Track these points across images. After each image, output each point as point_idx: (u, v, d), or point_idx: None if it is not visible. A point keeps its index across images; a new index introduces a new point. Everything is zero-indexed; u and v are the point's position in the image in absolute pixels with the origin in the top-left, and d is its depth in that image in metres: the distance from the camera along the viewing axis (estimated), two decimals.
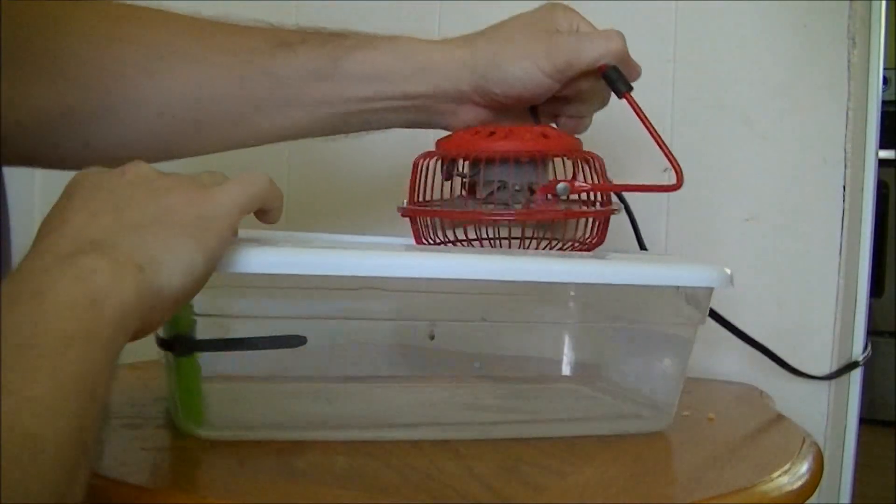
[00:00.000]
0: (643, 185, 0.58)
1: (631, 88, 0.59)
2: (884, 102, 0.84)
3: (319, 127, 0.60)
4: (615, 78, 0.58)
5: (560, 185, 0.56)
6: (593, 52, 0.58)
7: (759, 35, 0.81)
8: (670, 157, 0.57)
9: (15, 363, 0.30)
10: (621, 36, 0.59)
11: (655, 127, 0.59)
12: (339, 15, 0.97)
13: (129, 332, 0.36)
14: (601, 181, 0.58)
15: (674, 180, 0.59)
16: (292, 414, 0.55)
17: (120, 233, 0.38)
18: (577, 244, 0.59)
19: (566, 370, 0.64)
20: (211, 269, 0.41)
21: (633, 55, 0.84)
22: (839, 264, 0.79)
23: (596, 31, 0.60)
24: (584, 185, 0.57)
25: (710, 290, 0.56)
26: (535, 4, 0.88)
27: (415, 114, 0.61)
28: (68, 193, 0.40)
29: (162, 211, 0.40)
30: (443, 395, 0.62)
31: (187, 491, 0.41)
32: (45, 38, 0.54)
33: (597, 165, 0.58)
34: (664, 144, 0.58)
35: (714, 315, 0.67)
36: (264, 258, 0.45)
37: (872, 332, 0.86)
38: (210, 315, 0.47)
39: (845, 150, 0.78)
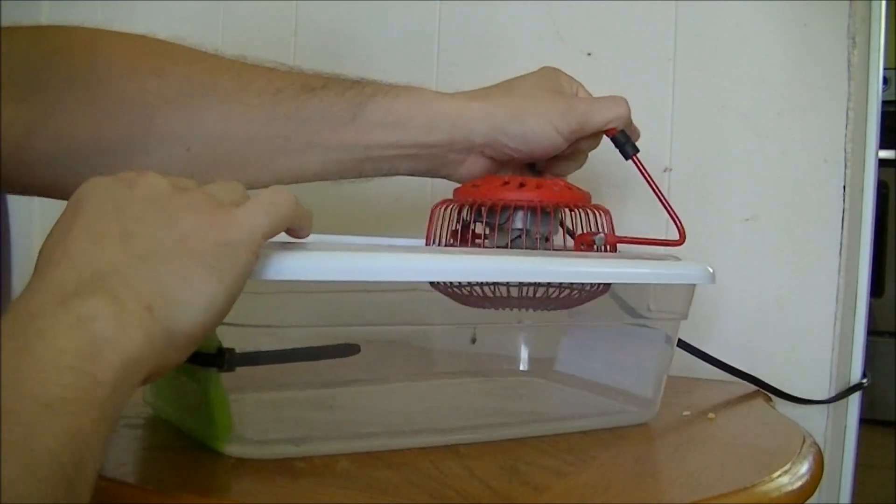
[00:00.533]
0: (654, 240, 0.63)
1: (638, 151, 0.62)
2: (884, 102, 0.84)
3: (335, 171, 0.61)
4: (624, 141, 0.62)
5: (598, 237, 0.59)
6: (604, 117, 0.61)
7: (759, 35, 0.81)
8: (674, 216, 0.61)
9: None
10: (626, 102, 0.62)
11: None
12: (339, 15, 0.97)
13: (136, 383, 0.33)
14: (611, 231, 0.61)
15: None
16: (319, 426, 0.53)
17: (128, 265, 0.34)
18: (589, 290, 0.59)
19: (548, 367, 0.65)
20: (232, 302, 0.37)
21: (634, 55, 0.85)
22: (839, 264, 0.79)
23: (603, 97, 0.63)
24: (612, 237, 0.61)
25: (693, 286, 0.59)
26: (534, 5, 0.88)
27: (424, 162, 0.62)
28: (72, 211, 0.36)
29: (177, 237, 0.36)
30: (446, 398, 0.62)
31: (187, 491, 0.41)
32: (79, 66, 0.54)
33: (607, 217, 0.61)
34: (669, 205, 0.61)
35: (715, 361, 0.70)
36: (302, 263, 0.41)
37: (872, 332, 0.86)
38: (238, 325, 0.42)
39: (845, 150, 0.78)
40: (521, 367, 0.67)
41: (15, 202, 0.63)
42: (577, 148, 0.63)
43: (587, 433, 0.55)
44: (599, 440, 0.53)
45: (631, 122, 0.63)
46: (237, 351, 0.43)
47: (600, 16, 0.86)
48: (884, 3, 0.81)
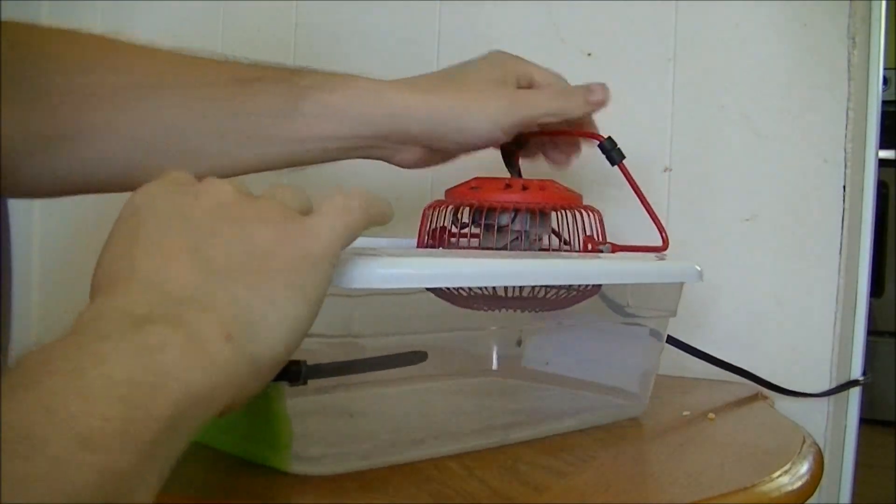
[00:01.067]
0: (638, 247, 0.62)
1: (624, 157, 0.61)
2: (884, 102, 0.84)
3: (273, 163, 0.60)
4: (610, 148, 0.61)
5: (605, 247, 0.60)
6: (542, 109, 0.60)
7: (759, 35, 0.81)
8: (658, 223, 0.61)
9: (10, 467, 0.24)
10: (583, 94, 0.61)
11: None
12: (339, 15, 0.97)
13: (207, 417, 0.30)
14: (601, 231, 0.62)
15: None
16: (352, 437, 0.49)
17: (204, 286, 0.32)
18: (583, 290, 0.60)
19: (544, 367, 0.65)
20: (314, 319, 0.34)
21: (634, 55, 0.85)
22: (839, 264, 0.79)
23: (555, 90, 0.61)
24: (616, 244, 0.61)
25: (681, 284, 0.60)
26: (534, 5, 0.88)
27: (363, 151, 0.62)
28: (131, 222, 0.34)
29: (253, 252, 0.33)
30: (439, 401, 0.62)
31: (187, 491, 0.41)
32: (14, 63, 0.53)
33: (598, 217, 0.61)
34: (653, 212, 0.61)
35: (708, 357, 0.71)
36: (387, 272, 0.40)
37: (872, 332, 0.86)
38: None
39: (845, 150, 0.78)
40: (494, 367, 0.66)
41: (14, 203, 0.63)
42: (536, 143, 0.62)
43: (586, 433, 0.55)
44: (599, 440, 0.53)
45: (586, 112, 0.61)
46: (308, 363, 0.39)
47: (600, 16, 0.86)
48: (884, 3, 0.81)
